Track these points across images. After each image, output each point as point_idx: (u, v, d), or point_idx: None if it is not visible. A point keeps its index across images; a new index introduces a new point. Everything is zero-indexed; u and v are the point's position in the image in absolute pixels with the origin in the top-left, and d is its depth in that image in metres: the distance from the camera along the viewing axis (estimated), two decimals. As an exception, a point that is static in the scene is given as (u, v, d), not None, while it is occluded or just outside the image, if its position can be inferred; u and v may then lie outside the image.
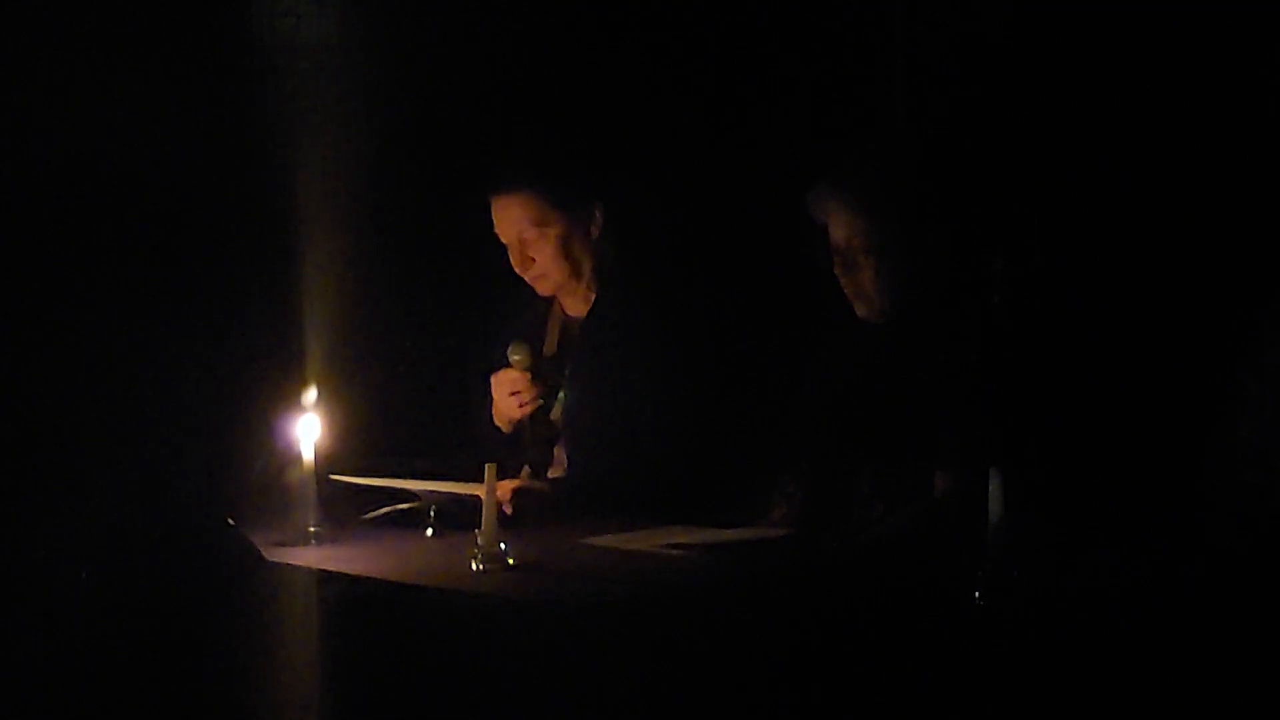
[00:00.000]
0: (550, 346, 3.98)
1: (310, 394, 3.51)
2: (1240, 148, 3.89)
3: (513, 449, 3.92)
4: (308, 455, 3.46)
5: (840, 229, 3.54)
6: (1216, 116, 3.95)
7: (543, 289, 3.92)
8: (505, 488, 3.55)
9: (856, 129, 4.41)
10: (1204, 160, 3.96)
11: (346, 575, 3.16)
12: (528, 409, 3.87)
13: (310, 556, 3.31)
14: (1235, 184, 3.90)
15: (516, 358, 3.86)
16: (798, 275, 3.84)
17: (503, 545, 3.14)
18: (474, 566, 3.13)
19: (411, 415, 4.45)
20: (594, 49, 4.62)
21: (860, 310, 3.56)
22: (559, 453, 3.93)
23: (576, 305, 3.97)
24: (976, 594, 2.69)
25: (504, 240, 3.89)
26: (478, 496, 3.19)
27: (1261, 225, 3.80)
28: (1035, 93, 4.19)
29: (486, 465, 3.17)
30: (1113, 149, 4.09)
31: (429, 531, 3.51)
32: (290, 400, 3.52)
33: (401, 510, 3.60)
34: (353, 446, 3.71)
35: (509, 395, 3.87)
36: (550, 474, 3.91)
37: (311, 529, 3.43)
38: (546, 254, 3.86)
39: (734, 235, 4.51)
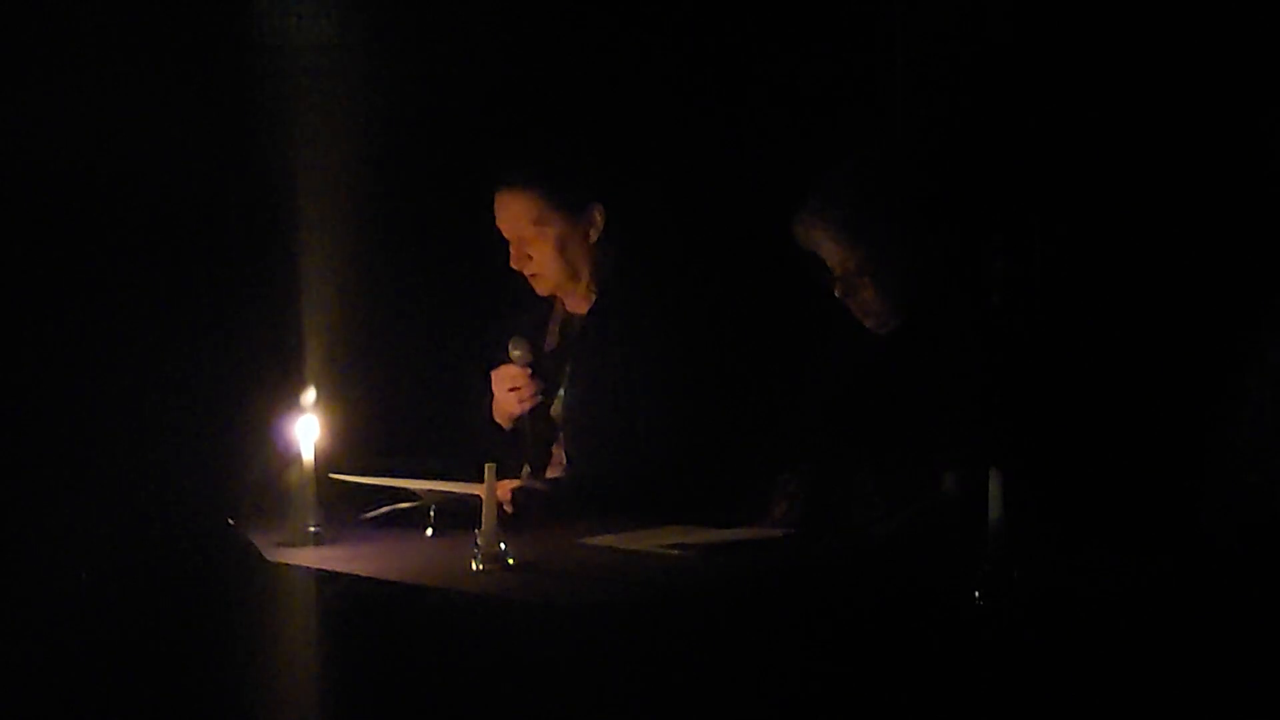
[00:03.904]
0: (551, 343, 3.99)
1: (310, 394, 3.51)
2: (1240, 148, 3.89)
3: (512, 447, 3.92)
4: (308, 455, 3.46)
5: (832, 256, 3.54)
6: (1216, 117, 3.95)
7: (539, 288, 3.93)
8: (505, 488, 3.56)
9: (855, 131, 4.41)
10: (1204, 161, 3.96)
11: (346, 575, 3.16)
12: (527, 405, 3.87)
13: (310, 556, 3.31)
14: (1235, 185, 3.90)
15: (517, 353, 3.86)
16: (798, 275, 3.84)
17: (503, 545, 3.14)
18: (474, 566, 3.13)
19: (411, 415, 4.45)
20: (597, 52, 4.63)
21: (869, 324, 3.56)
22: (558, 452, 3.93)
23: (577, 303, 3.97)
24: (976, 594, 2.69)
25: (505, 235, 3.90)
26: (478, 496, 3.19)
27: (1262, 226, 3.80)
28: (1035, 94, 4.19)
29: (486, 465, 3.17)
30: (1113, 150, 4.09)
31: (429, 531, 3.51)
32: (290, 400, 3.52)
33: (401, 510, 3.60)
34: (353, 446, 3.71)
35: (509, 391, 3.87)
36: (549, 474, 3.91)
37: (311, 529, 3.43)
38: (543, 253, 3.87)
39: (735, 235, 4.51)
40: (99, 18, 4.18)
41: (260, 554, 3.22)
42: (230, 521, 3.29)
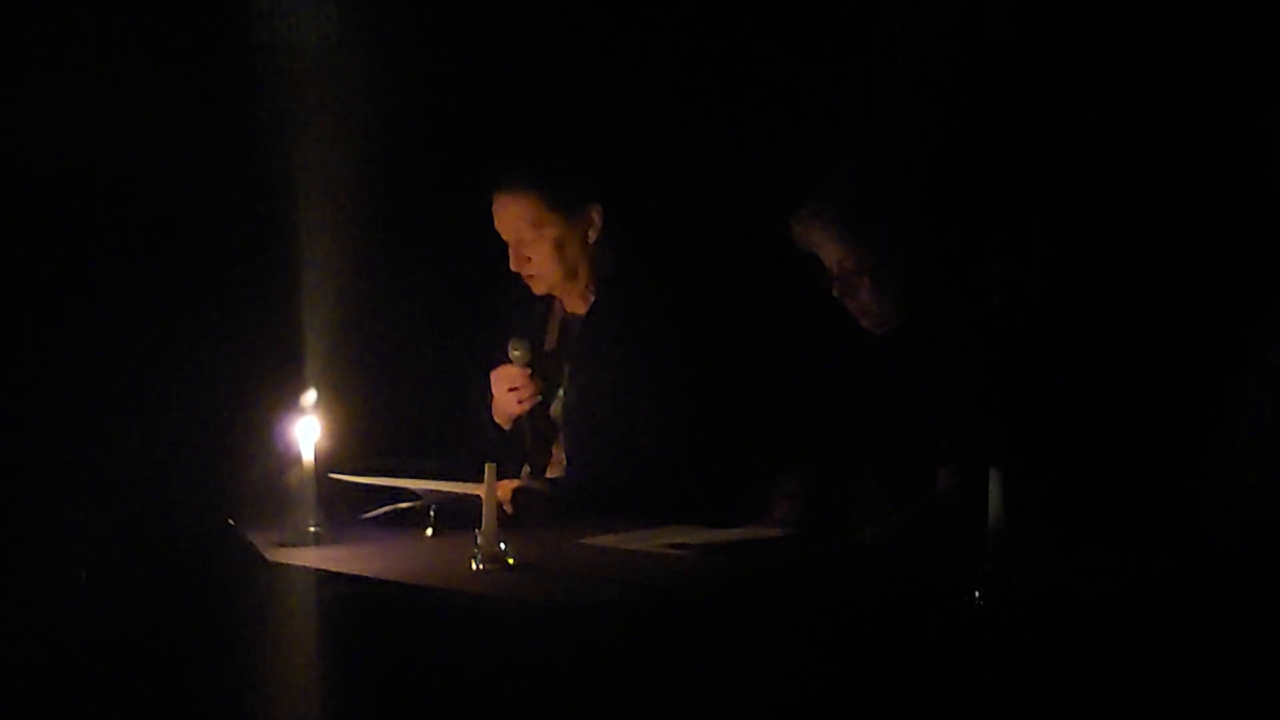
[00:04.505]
0: (551, 344, 3.99)
1: (310, 395, 3.51)
2: (1240, 148, 3.89)
3: (512, 447, 3.92)
4: (308, 456, 3.46)
5: (829, 255, 3.54)
6: (1216, 117, 3.95)
7: (537, 288, 3.93)
8: (505, 488, 3.56)
9: (855, 131, 4.42)
10: (1203, 162, 3.96)
11: (346, 575, 3.16)
12: (526, 405, 3.87)
13: (310, 556, 3.31)
14: (1235, 186, 3.90)
15: (516, 354, 3.86)
16: (798, 275, 3.85)
17: (503, 545, 3.14)
18: (474, 566, 3.13)
19: (411, 415, 4.45)
20: (596, 53, 4.63)
21: (866, 324, 3.56)
22: (558, 452, 3.93)
23: (576, 304, 3.97)
24: (976, 594, 2.69)
25: (504, 237, 3.91)
26: (478, 496, 3.19)
27: (1262, 226, 3.80)
28: (1035, 94, 4.19)
29: (486, 465, 3.17)
30: (1113, 150, 4.09)
31: (429, 531, 3.51)
32: (290, 401, 3.52)
33: (401, 510, 3.60)
34: (353, 446, 3.71)
35: (508, 391, 3.87)
36: (549, 473, 3.91)
37: (311, 529, 3.43)
38: (542, 254, 3.87)
39: (735, 235, 4.51)
40: (99, 18, 4.18)
41: (260, 554, 3.22)
42: (230, 521, 3.29)
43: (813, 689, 2.70)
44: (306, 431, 3.46)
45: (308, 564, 3.24)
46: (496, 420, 3.94)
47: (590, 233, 3.89)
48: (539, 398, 3.88)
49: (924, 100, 4.40)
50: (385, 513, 3.61)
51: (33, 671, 3.09)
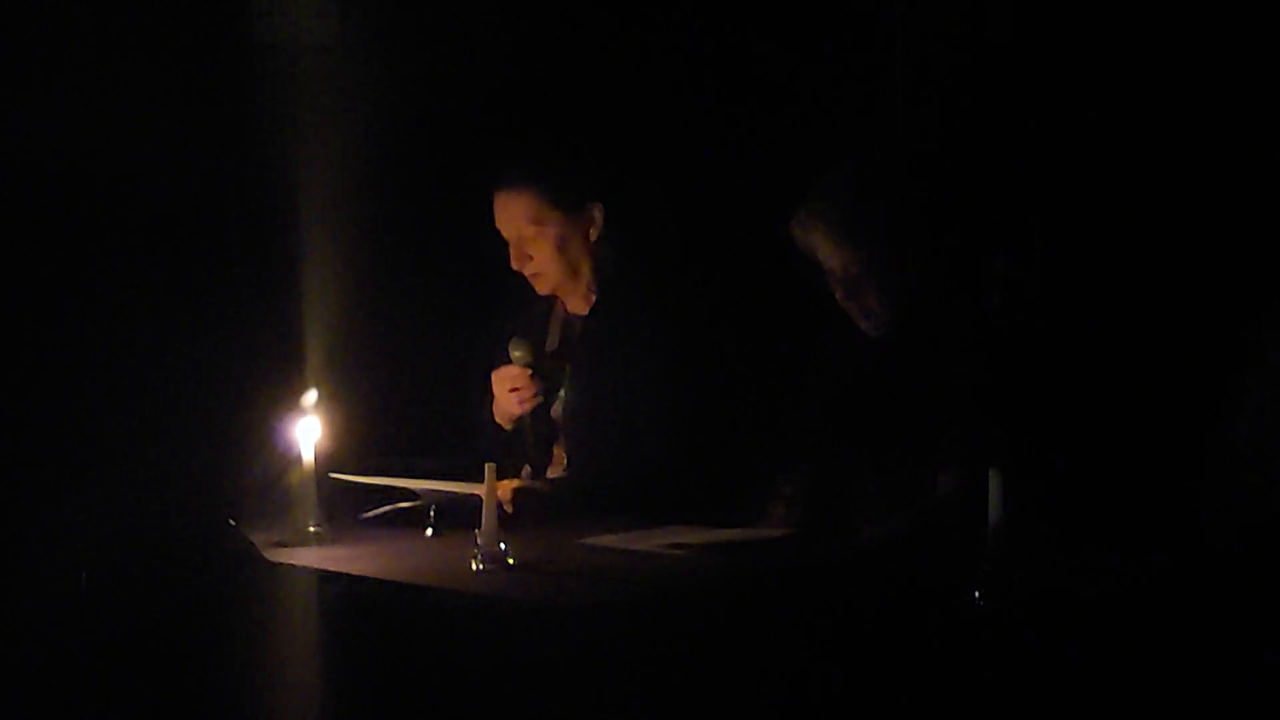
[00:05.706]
0: (552, 344, 3.99)
1: (310, 394, 3.51)
2: (1240, 148, 3.89)
3: (513, 447, 3.92)
4: (308, 456, 3.46)
5: (830, 257, 3.53)
6: (1216, 117, 3.95)
7: (540, 288, 3.93)
8: (505, 488, 3.55)
9: (855, 131, 4.42)
10: (1204, 162, 3.96)
11: (346, 575, 3.16)
12: (528, 406, 3.87)
13: (310, 556, 3.31)
14: (1235, 185, 3.90)
15: (517, 354, 3.86)
16: (798, 276, 3.85)
17: (503, 545, 3.14)
18: (474, 566, 3.13)
19: (411, 415, 4.45)
20: (597, 52, 4.63)
21: (866, 325, 3.55)
22: (559, 452, 3.93)
23: (577, 304, 3.97)
24: (976, 594, 2.69)
25: (505, 236, 3.91)
26: (478, 496, 3.19)
27: (1262, 226, 3.80)
28: (1035, 95, 4.20)
29: (486, 465, 3.17)
30: (1113, 150, 4.09)
31: (429, 531, 3.51)
32: (291, 400, 3.52)
33: (401, 510, 3.60)
34: (353, 446, 3.71)
35: (509, 392, 3.88)
36: (550, 473, 3.91)
37: (311, 529, 3.43)
38: (543, 253, 3.87)
39: (735, 235, 4.51)
40: (99, 18, 4.18)
41: (260, 554, 3.22)
42: (230, 521, 3.29)
43: (813, 689, 2.70)
44: (306, 431, 3.46)
45: (308, 564, 3.24)
46: (497, 420, 3.95)
47: (591, 231, 3.89)
48: (540, 398, 3.88)
49: (924, 100, 4.41)
50: (385, 513, 3.61)
51: (33, 671, 3.09)
